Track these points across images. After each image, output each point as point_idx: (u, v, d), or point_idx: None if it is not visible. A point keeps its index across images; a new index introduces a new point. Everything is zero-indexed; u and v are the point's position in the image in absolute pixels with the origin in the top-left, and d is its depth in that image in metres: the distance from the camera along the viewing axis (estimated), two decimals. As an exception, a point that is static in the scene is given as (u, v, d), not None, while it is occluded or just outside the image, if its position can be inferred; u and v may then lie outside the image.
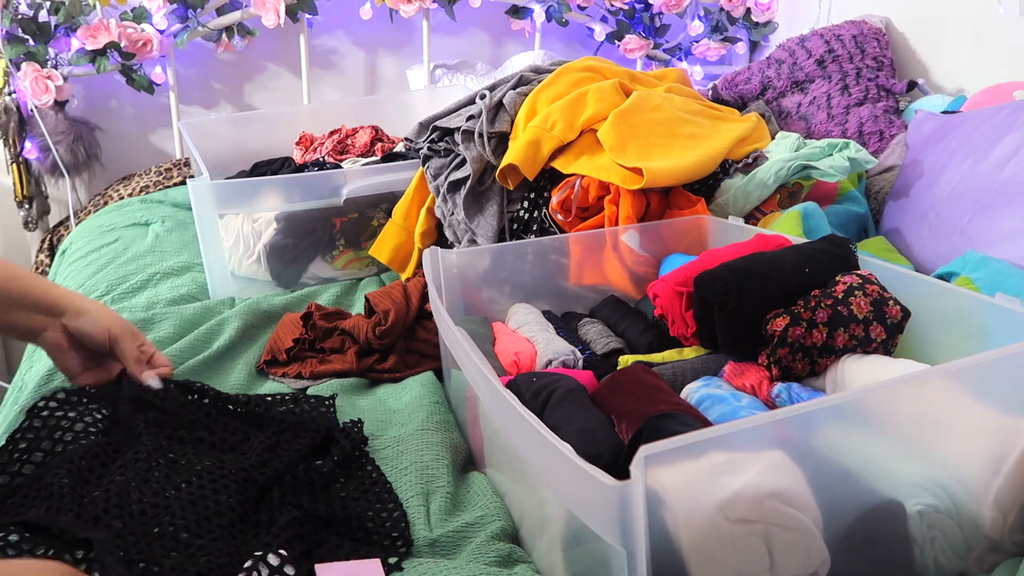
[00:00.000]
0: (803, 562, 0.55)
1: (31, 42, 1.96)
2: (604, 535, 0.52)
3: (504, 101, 1.32)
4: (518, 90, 1.33)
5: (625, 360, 0.92)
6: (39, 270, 2.06)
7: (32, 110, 1.97)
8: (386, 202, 1.51)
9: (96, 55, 1.97)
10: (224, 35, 2.12)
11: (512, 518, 0.78)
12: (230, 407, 0.93)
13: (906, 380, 0.62)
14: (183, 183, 1.97)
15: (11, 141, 2.00)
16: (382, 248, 1.45)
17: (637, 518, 0.49)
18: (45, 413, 0.85)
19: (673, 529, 0.52)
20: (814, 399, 0.64)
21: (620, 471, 0.50)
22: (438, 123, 1.35)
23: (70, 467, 0.76)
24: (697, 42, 2.40)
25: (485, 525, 0.75)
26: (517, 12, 2.31)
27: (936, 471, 0.60)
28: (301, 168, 1.62)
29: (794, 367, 0.79)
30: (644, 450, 0.48)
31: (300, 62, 2.22)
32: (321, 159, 1.67)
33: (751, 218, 1.23)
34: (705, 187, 1.26)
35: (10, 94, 1.97)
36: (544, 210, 1.24)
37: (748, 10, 2.34)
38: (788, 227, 1.12)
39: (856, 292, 0.79)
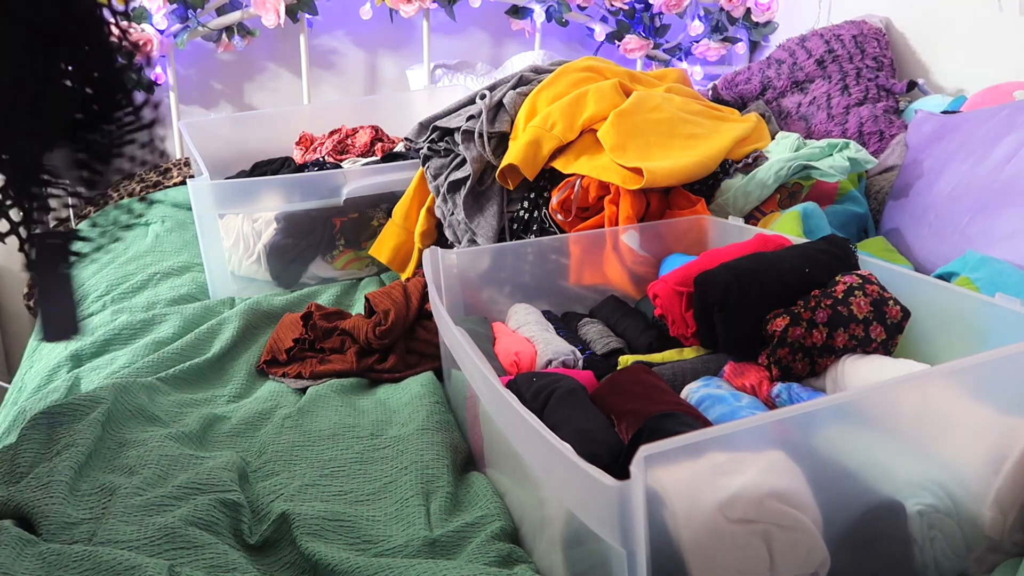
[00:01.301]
0: (803, 562, 0.55)
1: (31, 42, 1.96)
2: (604, 535, 0.52)
3: (504, 101, 1.32)
4: (518, 90, 1.33)
5: (625, 360, 0.92)
6: (39, 270, 2.06)
7: (32, 110, 1.97)
8: (386, 202, 1.51)
9: (96, 55, 1.97)
10: (224, 35, 2.12)
11: (512, 518, 0.77)
12: None
13: (906, 380, 0.62)
14: (183, 183, 1.97)
15: (11, 141, 2.00)
16: (382, 248, 1.45)
17: (637, 518, 0.49)
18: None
19: (673, 529, 0.52)
20: (814, 399, 0.64)
21: (620, 471, 0.50)
22: (438, 123, 1.35)
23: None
24: (697, 42, 2.40)
25: (485, 525, 0.75)
26: (517, 12, 2.31)
27: (936, 471, 0.60)
28: (301, 168, 1.62)
29: (794, 367, 0.78)
30: (644, 450, 0.48)
31: (300, 62, 2.22)
32: (321, 159, 1.67)
33: (751, 218, 1.23)
34: (705, 187, 1.26)
35: (10, 94, 1.97)
36: (544, 210, 1.24)
37: (748, 10, 2.34)
38: (788, 227, 1.12)
39: (856, 292, 0.79)
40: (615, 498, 0.48)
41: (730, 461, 0.53)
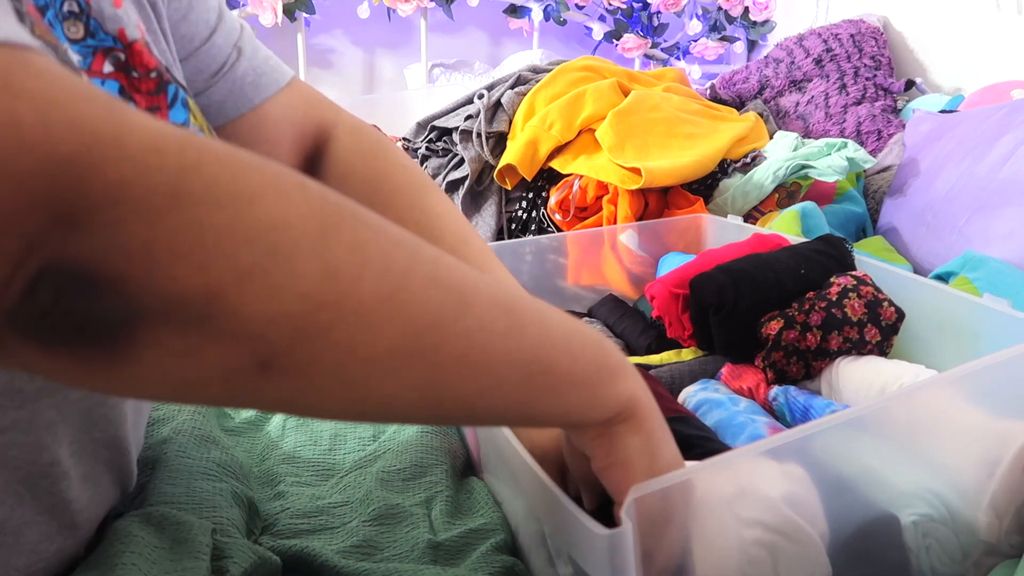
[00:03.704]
0: (807, 576, 0.54)
1: (29, 42, 1.96)
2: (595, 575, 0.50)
3: (502, 101, 1.32)
4: (516, 90, 1.33)
5: (623, 361, 0.92)
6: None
7: (30, 110, 1.97)
8: (384, 202, 1.51)
9: (94, 55, 1.97)
10: (222, 34, 2.12)
11: (510, 527, 0.77)
12: None
13: (915, 389, 0.61)
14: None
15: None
16: (380, 248, 1.45)
17: (628, 563, 0.47)
18: None
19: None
20: (823, 417, 0.62)
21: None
22: (436, 123, 1.35)
23: None
24: (695, 41, 2.40)
25: (488, 535, 0.75)
26: (515, 11, 2.31)
27: (930, 478, 0.60)
28: (299, 168, 1.62)
29: (789, 370, 0.78)
30: (635, 491, 0.45)
31: (298, 61, 2.22)
32: (319, 159, 1.67)
33: (749, 218, 1.23)
34: (703, 187, 1.26)
35: (8, 94, 1.97)
36: (542, 210, 1.24)
37: (746, 9, 2.34)
38: (786, 227, 1.12)
39: (850, 294, 0.79)
40: (604, 545, 0.46)
41: (747, 465, 0.52)
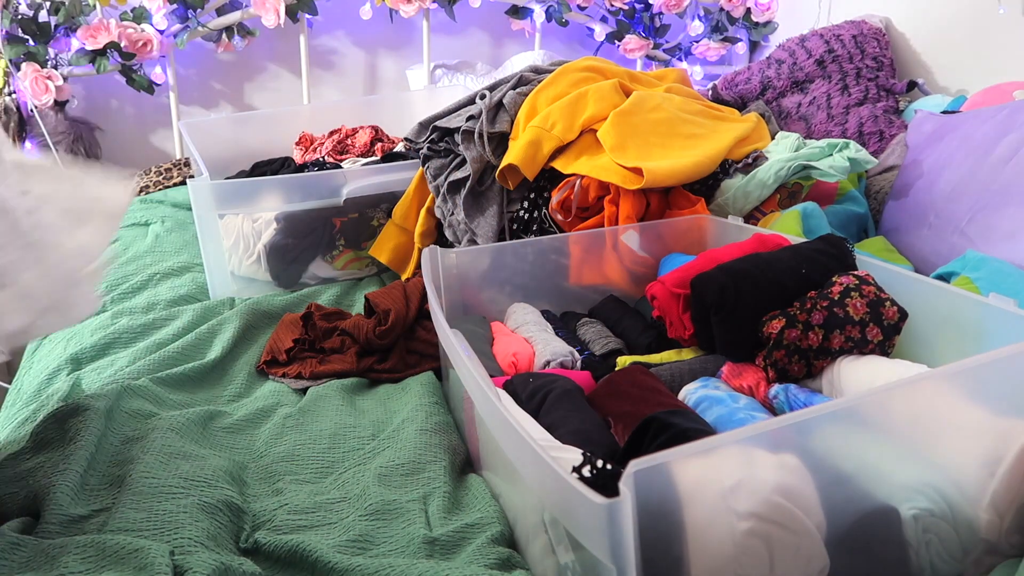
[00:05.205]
0: (804, 568, 0.54)
1: (31, 42, 1.96)
2: (594, 550, 0.51)
3: (504, 101, 1.32)
4: (518, 90, 1.33)
5: (623, 361, 0.92)
6: (39, 270, 2.06)
7: (32, 110, 1.97)
8: (386, 202, 1.51)
9: (96, 55, 1.97)
10: (224, 35, 2.12)
11: (508, 520, 0.77)
12: None
13: (903, 384, 0.62)
14: (183, 183, 1.97)
15: (11, 141, 2.00)
16: (382, 248, 1.45)
17: (626, 534, 0.47)
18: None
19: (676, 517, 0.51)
20: (815, 405, 0.63)
21: (613, 475, 0.49)
22: (438, 123, 1.35)
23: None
24: (697, 42, 2.40)
25: (484, 528, 0.75)
26: (517, 12, 2.31)
27: (931, 474, 0.60)
28: (301, 168, 1.62)
29: (790, 369, 0.78)
30: (633, 465, 0.47)
31: (300, 62, 2.22)
32: (321, 159, 1.67)
33: (751, 218, 1.23)
34: (705, 187, 1.25)
35: (10, 94, 1.97)
36: (544, 210, 1.24)
37: (748, 10, 2.34)
38: (788, 227, 1.11)
39: (852, 293, 0.79)
40: (603, 515, 0.47)
41: (742, 455, 0.53)
